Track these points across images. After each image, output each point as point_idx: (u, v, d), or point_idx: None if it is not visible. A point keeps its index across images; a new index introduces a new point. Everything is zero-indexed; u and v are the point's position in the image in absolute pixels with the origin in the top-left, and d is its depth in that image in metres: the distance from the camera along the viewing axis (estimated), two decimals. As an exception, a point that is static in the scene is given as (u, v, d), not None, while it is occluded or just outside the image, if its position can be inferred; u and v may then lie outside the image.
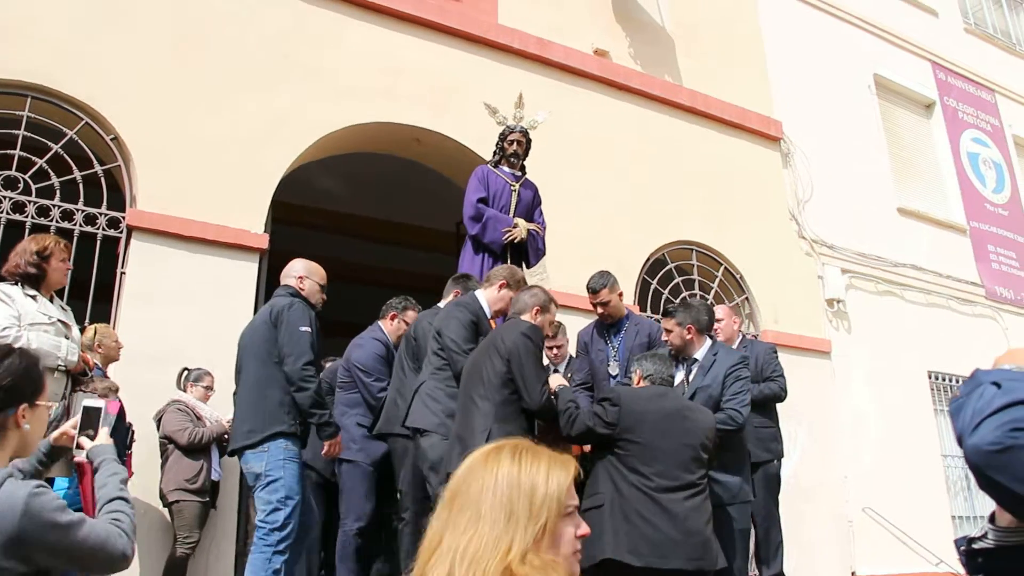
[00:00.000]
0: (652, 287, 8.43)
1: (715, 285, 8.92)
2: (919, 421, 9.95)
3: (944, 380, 10.49)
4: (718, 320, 5.87)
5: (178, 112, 6.43)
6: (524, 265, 6.03)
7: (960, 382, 10.65)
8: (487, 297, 4.78)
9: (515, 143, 6.17)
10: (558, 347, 5.66)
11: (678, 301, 6.69)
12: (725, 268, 8.99)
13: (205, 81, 6.61)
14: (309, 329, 4.48)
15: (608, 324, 5.53)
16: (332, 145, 7.31)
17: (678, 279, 8.66)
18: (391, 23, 7.64)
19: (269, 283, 6.07)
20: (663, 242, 8.62)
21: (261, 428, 4.33)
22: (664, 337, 4.99)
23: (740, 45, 10.19)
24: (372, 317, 13.44)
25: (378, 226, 10.25)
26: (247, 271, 6.31)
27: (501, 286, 4.76)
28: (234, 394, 4.74)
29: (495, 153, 6.27)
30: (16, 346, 2.43)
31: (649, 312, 8.32)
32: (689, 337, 4.87)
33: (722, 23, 10.10)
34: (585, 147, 8.34)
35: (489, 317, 4.75)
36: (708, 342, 4.93)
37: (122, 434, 4.85)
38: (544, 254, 6.20)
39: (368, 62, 7.40)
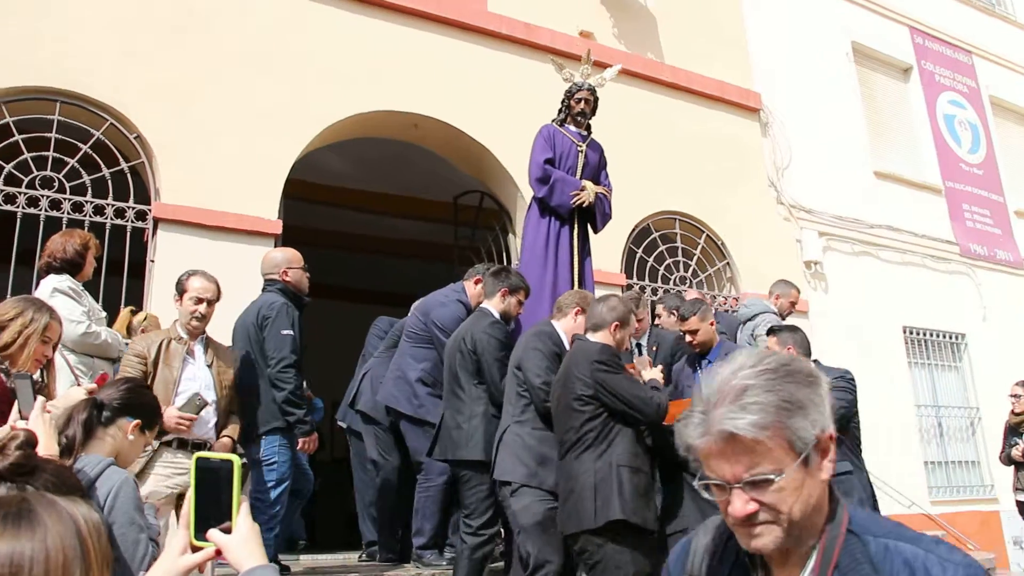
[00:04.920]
0: (638, 255, 9.03)
1: (697, 252, 9.52)
2: (894, 374, 10.57)
3: (918, 334, 11.13)
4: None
5: (194, 109, 6.98)
6: (591, 230, 6.00)
7: (934, 335, 11.29)
8: (563, 327, 4.48)
9: (583, 101, 5.93)
10: (639, 320, 5.25)
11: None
12: (707, 235, 9.58)
13: (219, 79, 7.15)
14: (291, 332, 4.85)
15: (699, 353, 5.22)
16: (336, 133, 7.86)
17: (662, 247, 9.25)
18: (387, 14, 8.15)
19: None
20: (648, 212, 9.19)
21: (256, 425, 4.79)
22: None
23: (720, 20, 10.66)
24: (376, 283, 14.05)
25: (380, 199, 10.80)
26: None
27: (577, 313, 4.50)
28: None
29: (560, 111, 6.05)
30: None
31: (635, 278, 8.94)
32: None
33: (703, -1, 10.56)
34: (573, 126, 8.87)
35: (567, 347, 4.46)
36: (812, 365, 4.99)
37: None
38: (611, 218, 6.08)
39: (367, 52, 7.92)
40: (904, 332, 10.96)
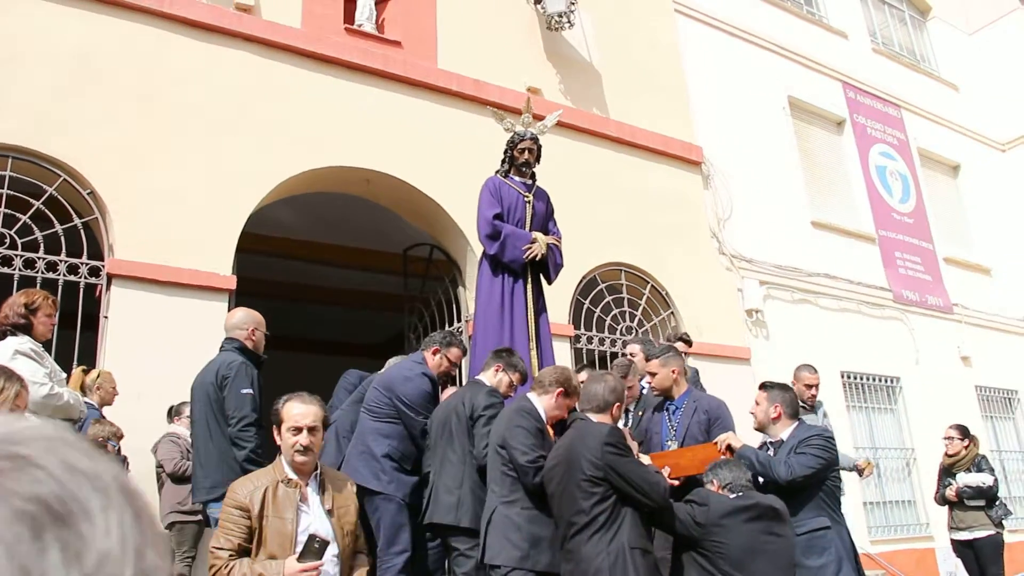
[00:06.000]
0: (585, 306, 9.25)
1: (643, 302, 9.77)
2: (833, 417, 10.82)
3: (855, 378, 11.50)
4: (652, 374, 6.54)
5: (148, 166, 7.05)
6: (544, 281, 5.92)
7: (870, 379, 11.66)
8: (543, 405, 4.42)
9: (526, 151, 5.83)
10: (629, 387, 5.31)
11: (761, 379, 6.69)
12: (652, 286, 9.84)
13: (172, 136, 7.23)
14: (251, 391, 4.88)
15: (666, 399, 5.15)
16: (290, 188, 7.97)
17: (609, 298, 9.48)
18: (341, 72, 8.32)
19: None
20: (595, 264, 9.42)
21: (222, 484, 4.67)
22: (751, 409, 4.89)
23: (662, 76, 11.04)
24: (329, 333, 14.09)
25: (331, 251, 10.90)
26: (217, 311, 6.91)
27: (559, 395, 4.46)
28: (191, 441, 5.24)
29: (504, 162, 5.94)
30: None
31: (583, 328, 9.14)
32: (774, 416, 4.71)
33: (645, 56, 10.93)
34: (521, 180, 9.10)
35: (545, 423, 4.42)
36: (794, 424, 4.73)
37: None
38: (562, 267, 6.04)
39: (319, 109, 8.07)
40: (842, 376, 11.32)
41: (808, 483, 4.49)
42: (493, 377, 4.83)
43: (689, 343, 7.15)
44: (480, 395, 4.69)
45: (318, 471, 3.80)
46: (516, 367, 4.87)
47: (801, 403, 6.72)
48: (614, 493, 3.82)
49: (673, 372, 5.10)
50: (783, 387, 4.88)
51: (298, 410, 3.71)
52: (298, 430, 3.66)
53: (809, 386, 6.90)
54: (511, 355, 4.92)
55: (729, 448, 4.71)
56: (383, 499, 4.84)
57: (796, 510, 4.43)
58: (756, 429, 4.89)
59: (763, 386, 4.90)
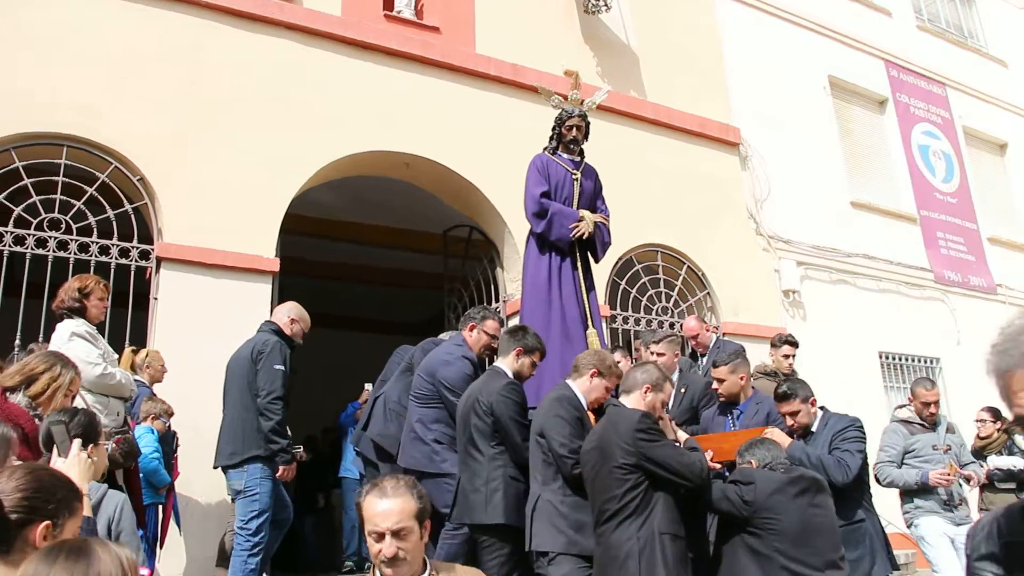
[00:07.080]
0: (621, 287, 9.38)
1: (679, 283, 9.87)
2: (870, 397, 10.89)
3: (893, 359, 11.49)
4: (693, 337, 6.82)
5: (195, 152, 7.32)
6: (592, 260, 5.87)
7: (909, 360, 11.64)
8: (580, 388, 4.42)
9: (574, 128, 5.82)
10: (659, 354, 5.50)
11: (784, 381, 5.58)
12: (688, 267, 9.93)
13: (218, 123, 7.49)
14: (283, 367, 5.28)
15: (729, 402, 5.21)
16: (331, 172, 8.20)
17: (645, 279, 9.61)
18: (381, 59, 8.51)
19: (281, 301, 6.85)
20: (631, 245, 9.52)
21: (241, 451, 5.22)
22: (791, 421, 4.78)
23: (701, 57, 11.06)
24: (371, 312, 14.33)
25: (372, 232, 11.13)
26: (262, 292, 7.22)
27: (593, 375, 4.43)
28: (223, 412, 5.56)
29: (552, 139, 5.94)
30: (80, 406, 3.45)
31: (619, 309, 9.28)
32: (814, 411, 4.80)
33: (683, 38, 10.96)
34: (558, 162, 9.22)
35: (586, 409, 4.41)
36: (820, 412, 4.83)
37: (168, 440, 5.86)
38: (610, 245, 5.98)
39: (360, 95, 8.27)
40: (880, 357, 11.32)
41: (856, 478, 4.54)
42: (515, 362, 4.69)
43: (795, 344, 7.17)
44: (494, 391, 4.51)
45: (427, 571, 2.77)
46: (535, 347, 4.75)
47: (920, 421, 6.39)
48: (647, 479, 3.82)
49: (742, 379, 5.16)
50: (801, 382, 4.87)
51: (379, 508, 2.64)
52: (380, 536, 2.62)
53: (927, 404, 6.28)
54: (526, 334, 4.78)
55: None
56: (442, 479, 4.83)
57: (840, 504, 4.34)
58: (800, 436, 4.82)
59: (786, 395, 4.79)
